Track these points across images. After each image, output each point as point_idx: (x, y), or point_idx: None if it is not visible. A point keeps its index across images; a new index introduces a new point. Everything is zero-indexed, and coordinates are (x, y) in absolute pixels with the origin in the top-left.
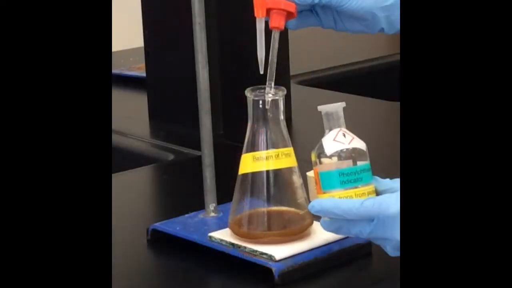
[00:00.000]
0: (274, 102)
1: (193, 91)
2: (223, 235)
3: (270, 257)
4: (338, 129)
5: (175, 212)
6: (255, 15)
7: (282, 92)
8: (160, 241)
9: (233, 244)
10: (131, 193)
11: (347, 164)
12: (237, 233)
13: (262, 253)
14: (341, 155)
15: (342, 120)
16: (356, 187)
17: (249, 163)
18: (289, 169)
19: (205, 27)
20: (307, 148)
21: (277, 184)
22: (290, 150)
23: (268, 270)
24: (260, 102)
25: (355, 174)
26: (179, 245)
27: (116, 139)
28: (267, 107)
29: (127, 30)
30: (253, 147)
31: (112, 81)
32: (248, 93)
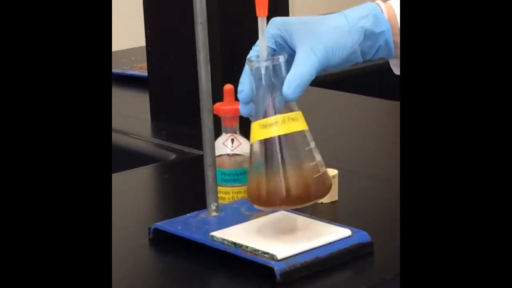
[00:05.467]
0: (276, 67)
1: (194, 90)
2: (225, 234)
3: (272, 257)
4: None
5: (176, 212)
6: (257, 14)
7: (283, 57)
8: (162, 241)
9: (234, 244)
10: (132, 193)
11: None
12: (257, 202)
13: (264, 253)
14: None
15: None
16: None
17: (257, 132)
18: (300, 133)
19: (207, 27)
20: None
21: (289, 148)
22: (297, 114)
23: (270, 270)
24: (262, 69)
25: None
26: (181, 244)
27: (117, 138)
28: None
29: (129, 30)
30: (259, 115)
31: (114, 80)
32: (249, 61)
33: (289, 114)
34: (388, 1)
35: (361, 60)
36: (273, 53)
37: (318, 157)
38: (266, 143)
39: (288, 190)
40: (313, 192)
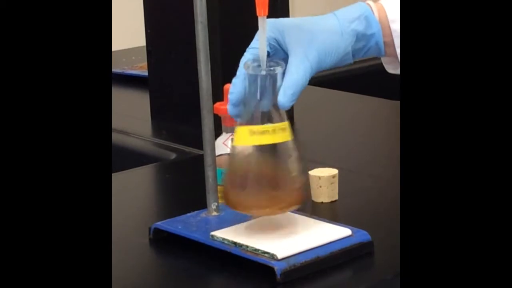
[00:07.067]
0: (272, 77)
1: (195, 90)
2: (225, 234)
3: (272, 256)
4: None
5: (177, 211)
6: (257, 13)
7: (281, 68)
8: (162, 240)
9: (235, 243)
10: (133, 192)
11: None
12: (231, 204)
13: (264, 252)
14: None
15: None
16: None
17: (245, 137)
18: (285, 144)
19: (207, 26)
20: (309, 146)
21: (273, 157)
22: (285, 124)
23: (270, 269)
24: (258, 76)
25: None
26: (181, 244)
27: (118, 138)
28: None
29: (129, 29)
30: (247, 119)
31: (114, 80)
32: (246, 66)
33: (279, 124)
34: (379, 2)
35: (352, 61)
36: (270, 58)
37: (299, 168)
38: (252, 150)
39: (265, 198)
40: (289, 201)
